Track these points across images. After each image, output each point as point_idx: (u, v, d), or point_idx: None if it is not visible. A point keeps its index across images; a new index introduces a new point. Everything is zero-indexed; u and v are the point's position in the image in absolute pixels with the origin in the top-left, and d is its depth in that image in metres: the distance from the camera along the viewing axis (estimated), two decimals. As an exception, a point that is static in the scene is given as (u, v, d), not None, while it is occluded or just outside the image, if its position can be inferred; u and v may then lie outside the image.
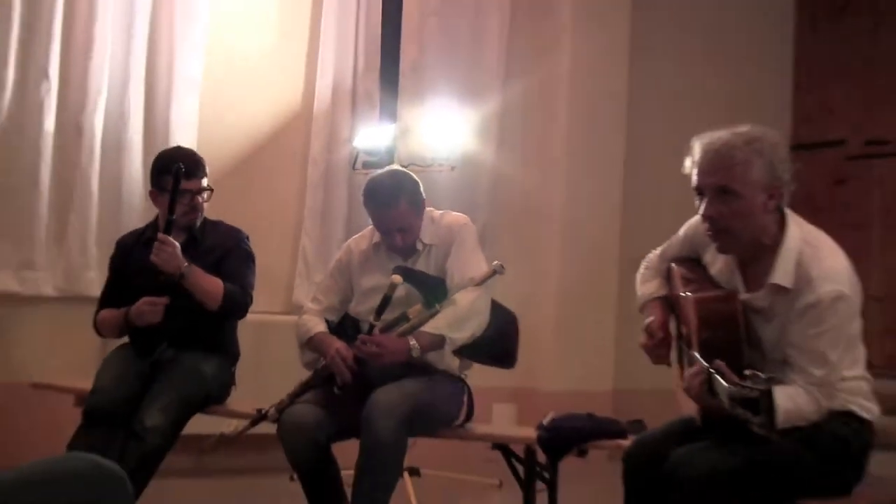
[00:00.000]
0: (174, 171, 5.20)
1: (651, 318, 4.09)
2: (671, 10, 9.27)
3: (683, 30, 9.33)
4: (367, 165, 7.35)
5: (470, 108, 8.09)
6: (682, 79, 9.19)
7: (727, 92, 9.14)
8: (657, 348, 4.03)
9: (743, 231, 3.75)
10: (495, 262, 5.00)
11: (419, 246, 5.08)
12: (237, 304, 5.39)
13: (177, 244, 5.18)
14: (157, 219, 5.43)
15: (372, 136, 7.41)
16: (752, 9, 9.80)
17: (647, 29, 9.02)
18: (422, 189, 5.14)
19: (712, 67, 9.35)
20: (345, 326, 5.16)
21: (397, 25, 7.72)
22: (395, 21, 7.70)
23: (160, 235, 5.19)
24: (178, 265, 5.16)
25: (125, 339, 5.51)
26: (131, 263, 5.48)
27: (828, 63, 9.92)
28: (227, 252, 5.51)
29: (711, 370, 3.31)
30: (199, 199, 5.47)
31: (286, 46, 7.78)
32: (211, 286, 5.27)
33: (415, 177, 5.20)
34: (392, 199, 4.99)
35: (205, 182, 5.51)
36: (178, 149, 5.81)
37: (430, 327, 4.83)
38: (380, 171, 5.45)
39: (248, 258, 5.59)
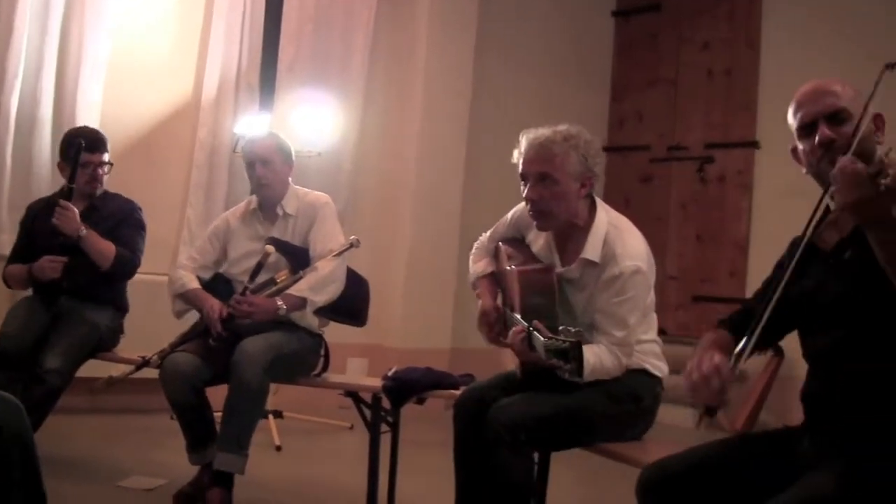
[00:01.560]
0: (76, 144, 5.25)
1: (485, 303, 4.09)
2: (511, 25, 9.37)
3: (520, 43, 9.44)
4: (245, 149, 7.34)
5: (337, 103, 8.12)
6: (517, 85, 9.30)
7: (555, 97, 9.26)
8: (494, 333, 4.02)
9: (559, 212, 3.82)
10: (352, 237, 5.04)
11: (280, 212, 5.14)
12: (126, 266, 5.43)
13: (76, 210, 5.21)
14: (63, 187, 5.33)
15: (251, 124, 7.37)
16: (579, 28, 9.96)
17: (490, 41, 9.10)
18: (292, 151, 5.26)
19: (543, 77, 9.48)
20: (217, 284, 5.16)
21: (277, 29, 7.74)
22: (275, 25, 7.72)
23: (61, 201, 5.21)
24: (77, 228, 5.18)
25: (30, 291, 5.47)
26: (38, 225, 5.45)
27: (640, 78, 10.08)
28: (122, 220, 5.52)
29: (530, 328, 3.40)
30: (100, 172, 5.49)
31: (181, 44, 7.69)
32: (104, 249, 5.29)
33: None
34: (262, 136, 5.25)
35: (106, 157, 5.52)
36: (85, 127, 5.76)
37: (295, 290, 4.88)
38: None
39: (140, 227, 5.60)
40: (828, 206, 2.65)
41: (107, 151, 5.53)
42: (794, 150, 2.92)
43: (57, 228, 5.17)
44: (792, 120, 2.89)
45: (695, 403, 2.74)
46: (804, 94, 2.86)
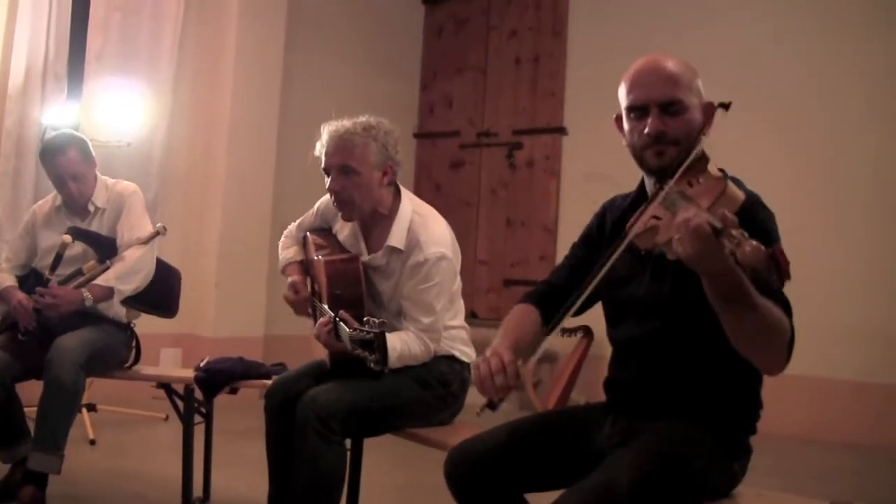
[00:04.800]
0: None
1: (294, 278, 4.15)
2: (321, 13, 9.42)
3: (330, 31, 9.50)
4: (53, 139, 7.16)
5: (146, 92, 8.01)
6: (328, 73, 9.34)
7: (365, 84, 9.33)
8: (301, 303, 4.09)
9: (362, 201, 3.88)
10: (159, 225, 4.97)
11: (91, 208, 5.03)
12: None
13: None
14: None
15: (59, 114, 7.22)
16: (389, 16, 10.07)
17: (300, 29, 9.14)
18: (90, 147, 5.08)
19: (353, 64, 9.55)
20: (28, 278, 5.02)
21: (85, 18, 7.54)
22: (83, 14, 7.52)
23: None
24: None
25: None
26: None
27: (449, 65, 10.20)
28: None
29: (337, 318, 3.44)
30: None
31: (-16, 32, 7.45)
32: None
33: (83, 136, 5.16)
34: (62, 149, 4.94)
35: None
36: None
37: (102, 280, 4.78)
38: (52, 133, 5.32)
39: None
40: (646, 204, 2.60)
41: None
42: (619, 120, 2.85)
43: None
44: (623, 97, 2.80)
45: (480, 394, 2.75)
46: (640, 74, 2.78)
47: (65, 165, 4.94)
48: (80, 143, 5.03)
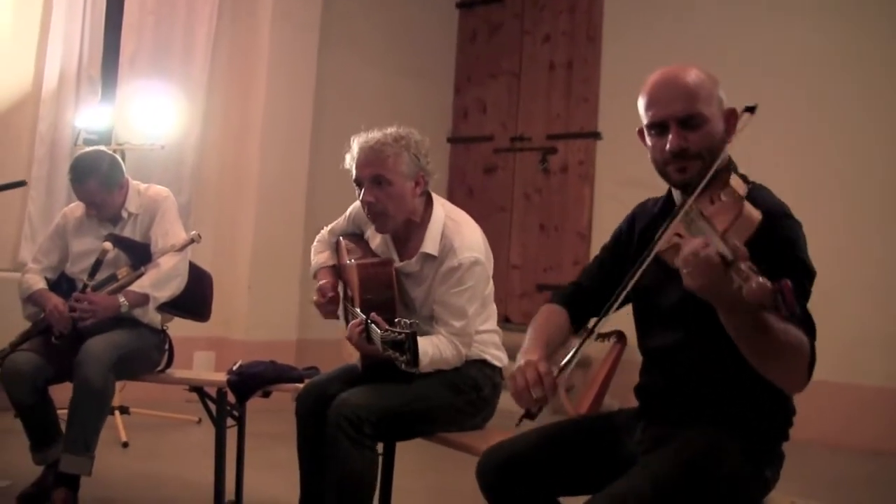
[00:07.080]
0: None
1: (323, 281, 4.15)
2: (355, 17, 9.41)
3: (364, 35, 9.48)
4: (87, 143, 7.19)
5: (180, 95, 8.04)
6: (361, 77, 9.32)
7: (399, 89, 9.33)
8: (328, 305, 4.08)
9: (396, 212, 3.90)
10: (193, 232, 5.02)
11: (124, 214, 5.06)
12: None
13: None
14: None
15: (93, 117, 7.30)
16: (423, 20, 10.06)
17: (334, 33, 9.12)
18: (121, 170, 5.09)
19: (387, 68, 9.53)
20: (61, 283, 5.07)
21: (119, 21, 7.63)
22: (116, 17, 7.62)
23: None
24: None
25: None
26: None
27: (483, 70, 10.20)
28: None
29: (368, 320, 3.45)
30: None
31: (18, 36, 7.49)
32: None
33: (114, 158, 5.15)
34: (84, 179, 4.96)
35: None
36: None
37: (137, 286, 4.84)
38: (85, 150, 5.33)
39: None
40: (670, 219, 2.57)
41: None
42: (641, 133, 2.83)
43: None
44: (643, 113, 2.78)
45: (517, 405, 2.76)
46: (657, 89, 2.76)
47: (85, 194, 5.00)
48: (104, 173, 5.01)
